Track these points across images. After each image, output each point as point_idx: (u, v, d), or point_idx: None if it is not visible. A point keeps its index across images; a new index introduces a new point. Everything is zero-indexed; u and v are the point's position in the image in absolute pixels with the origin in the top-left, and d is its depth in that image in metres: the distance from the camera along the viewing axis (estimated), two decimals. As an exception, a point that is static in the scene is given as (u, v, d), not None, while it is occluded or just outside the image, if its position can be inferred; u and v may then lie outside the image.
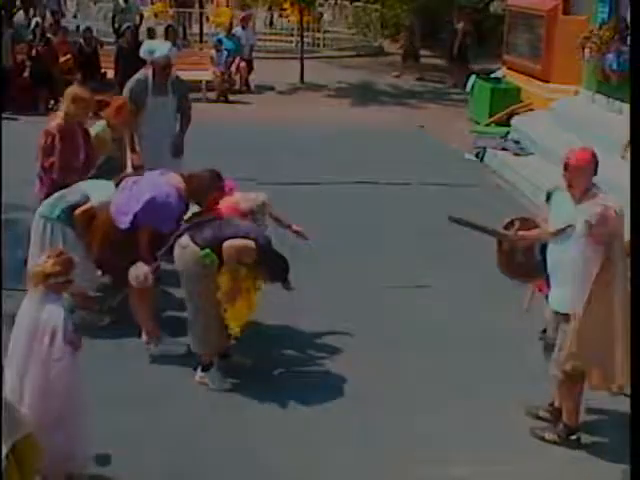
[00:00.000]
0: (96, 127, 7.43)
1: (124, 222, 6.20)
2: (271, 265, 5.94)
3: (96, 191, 6.54)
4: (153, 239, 6.17)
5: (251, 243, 5.75)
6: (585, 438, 5.51)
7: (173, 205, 6.12)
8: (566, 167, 5.23)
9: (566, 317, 5.25)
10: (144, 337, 6.48)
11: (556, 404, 5.70)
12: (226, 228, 5.87)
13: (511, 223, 5.62)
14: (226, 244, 5.73)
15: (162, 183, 6.23)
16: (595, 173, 5.23)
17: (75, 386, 4.63)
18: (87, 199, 6.50)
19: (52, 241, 6.45)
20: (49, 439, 4.45)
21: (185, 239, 5.91)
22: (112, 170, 7.15)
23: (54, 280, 4.51)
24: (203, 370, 6.05)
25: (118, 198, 6.32)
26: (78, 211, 6.46)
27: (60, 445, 4.55)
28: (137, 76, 8.31)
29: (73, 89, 7.25)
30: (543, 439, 5.48)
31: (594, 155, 5.27)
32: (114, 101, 7.64)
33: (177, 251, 5.96)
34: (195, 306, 5.94)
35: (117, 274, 6.49)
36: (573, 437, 5.46)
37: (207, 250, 5.76)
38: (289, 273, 6.01)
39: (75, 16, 25.31)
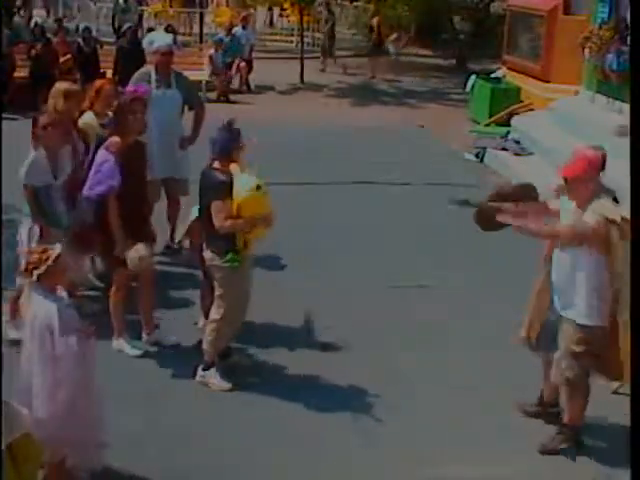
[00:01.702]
0: (84, 117, 7.41)
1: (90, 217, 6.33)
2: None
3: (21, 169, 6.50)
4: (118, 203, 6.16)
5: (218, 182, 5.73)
6: (585, 438, 5.51)
7: (107, 165, 6.12)
8: (565, 180, 5.04)
9: (578, 327, 5.16)
10: (145, 335, 6.55)
11: (545, 398, 5.72)
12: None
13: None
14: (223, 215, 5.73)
15: (97, 156, 6.27)
16: (598, 174, 5.03)
17: (86, 377, 4.61)
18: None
19: (31, 237, 6.47)
20: (62, 433, 4.49)
21: (208, 254, 5.91)
22: None
23: (37, 272, 4.47)
24: (204, 370, 6.05)
25: None
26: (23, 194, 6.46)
27: (74, 437, 4.59)
28: (141, 70, 8.35)
29: (61, 85, 7.17)
30: (556, 452, 5.41)
31: (593, 159, 5.04)
32: (93, 86, 7.63)
33: (210, 271, 6.03)
34: (218, 307, 5.93)
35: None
36: (578, 439, 5.45)
37: (229, 255, 5.78)
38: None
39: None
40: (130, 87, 7.37)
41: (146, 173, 6.55)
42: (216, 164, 5.86)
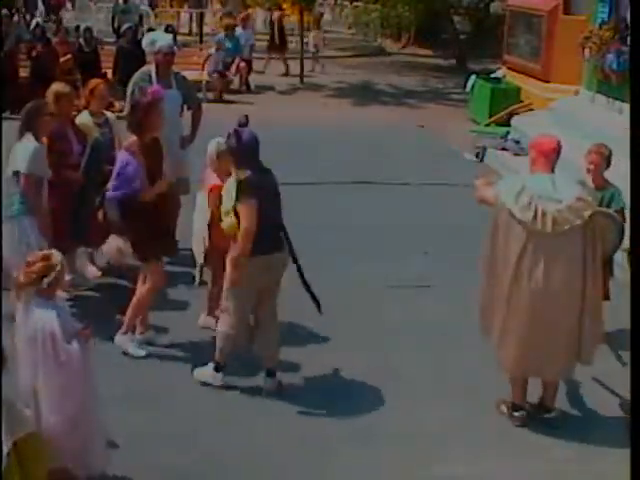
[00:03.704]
0: (80, 117, 7.41)
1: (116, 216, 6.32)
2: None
3: (17, 161, 6.48)
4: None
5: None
6: (585, 438, 5.52)
7: (131, 167, 6.16)
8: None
9: None
10: (138, 333, 6.52)
11: (544, 402, 5.77)
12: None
13: None
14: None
15: (119, 157, 6.31)
16: (551, 161, 5.53)
17: (90, 380, 4.62)
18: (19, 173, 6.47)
19: (20, 238, 6.43)
20: (68, 439, 4.49)
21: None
22: (101, 156, 7.13)
23: (47, 281, 4.46)
24: (204, 367, 6.05)
25: None
26: (22, 188, 6.43)
27: (79, 443, 4.60)
28: (141, 70, 8.35)
29: (54, 87, 7.17)
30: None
31: (553, 147, 5.56)
32: (88, 85, 7.62)
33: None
34: (230, 304, 5.90)
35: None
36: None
37: None
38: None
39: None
40: (154, 88, 7.32)
41: (164, 169, 6.53)
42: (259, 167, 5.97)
